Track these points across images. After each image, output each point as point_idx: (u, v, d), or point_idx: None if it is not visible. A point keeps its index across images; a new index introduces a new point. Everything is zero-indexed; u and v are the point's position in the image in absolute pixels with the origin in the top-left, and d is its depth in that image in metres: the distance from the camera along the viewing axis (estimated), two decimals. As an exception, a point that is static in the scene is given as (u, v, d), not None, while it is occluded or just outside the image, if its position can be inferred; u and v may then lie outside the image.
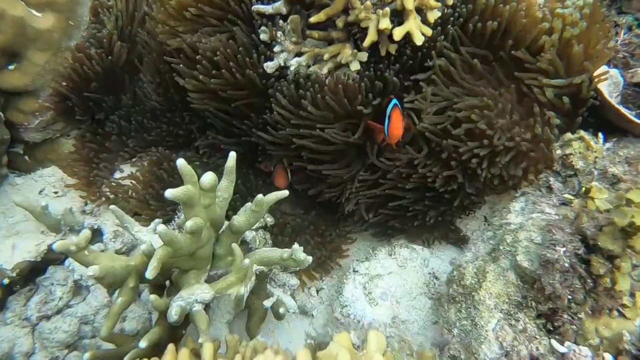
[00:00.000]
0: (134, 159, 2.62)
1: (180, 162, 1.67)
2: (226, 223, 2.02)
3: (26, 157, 2.51)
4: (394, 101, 1.82)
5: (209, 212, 1.81)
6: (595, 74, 1.94)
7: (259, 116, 2.14)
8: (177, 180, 2.39)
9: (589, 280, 1.52)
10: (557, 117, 1.90)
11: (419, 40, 1.77)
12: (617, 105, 2.05)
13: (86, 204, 2.51)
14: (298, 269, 2.10)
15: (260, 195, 1.82)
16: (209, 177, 1.73)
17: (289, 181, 2.25)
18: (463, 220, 2.39)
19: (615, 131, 2.17)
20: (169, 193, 1.61)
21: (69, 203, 2.48)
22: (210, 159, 2.49)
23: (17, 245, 2.20)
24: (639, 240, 1.42)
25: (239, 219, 1.89)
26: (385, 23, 1.75)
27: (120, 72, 2.42)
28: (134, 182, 2.48)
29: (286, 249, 1.94)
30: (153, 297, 1.74)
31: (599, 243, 1.48)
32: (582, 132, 1.84)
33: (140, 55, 2.48)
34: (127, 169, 2.61)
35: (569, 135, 1.85)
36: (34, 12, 2.11)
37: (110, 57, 2.30)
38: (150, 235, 1.98)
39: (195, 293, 1.78)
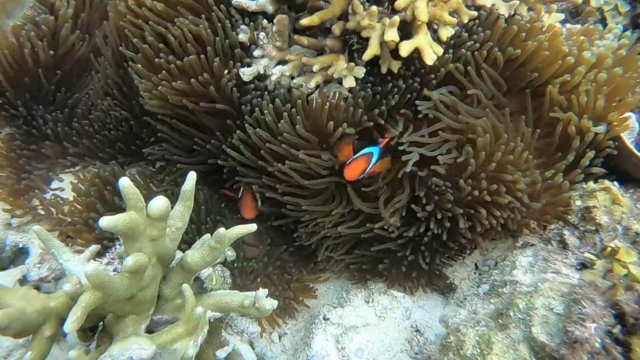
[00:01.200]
0: (77, 167, 2.22)
1: (124, 183, 1.31)
2: (179, 255, 1.66)
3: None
4: (372, 150, 1.63)
5: (157, 246, 1.44)
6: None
7: (227, 131, 1.79)
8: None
9: (623, 366, 1.24)
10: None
11: (429, 59, 1.48)
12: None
13: (12, 217, 2.08)
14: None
15: (222, 230, 1.47)
16: (159, 203, 1.37)
17: (258, 211, 1.90)
18: (450, 267, 2.11)
19: (629, 181, 1.95)
20: (105, 222, 1.24)
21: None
22: (170, 175, 2.12)
23: None
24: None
25: (193, 256, 1.52)
26: (392, 34, 1.45)
27: (68, 64, 2.03)
28: (74, 196, 2.07)
29: (248, 294, 1.59)
30: (74, 354, 1.34)
31: (640, 324, 1.20)
32: (607, 183, 1.59)
33: (96, 49, 2.10)
34: (68, 180, 2.20)
35: (592, 185, 1.60)
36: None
37: (52, 51, 1.92)
38: (83, 267, 1.58)
39: (130, 348, 1.39)
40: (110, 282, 1.27)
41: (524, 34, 1.64)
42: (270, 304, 1.57)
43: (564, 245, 1.64)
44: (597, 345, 1.25)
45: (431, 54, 1.48)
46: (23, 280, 1.93)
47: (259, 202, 1.89)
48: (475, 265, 2.14)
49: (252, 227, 1.55)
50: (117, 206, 1.96)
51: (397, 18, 1.45)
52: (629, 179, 1.95)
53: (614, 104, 1.75)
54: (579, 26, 1.88)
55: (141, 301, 1.48)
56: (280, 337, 2.15)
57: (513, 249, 1.89)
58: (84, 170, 2.22)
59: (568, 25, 1.90)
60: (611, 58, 1.71)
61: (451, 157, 1.67)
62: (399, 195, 1.82)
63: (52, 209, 2.07)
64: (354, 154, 1.65)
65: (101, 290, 1.25)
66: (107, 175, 2.03)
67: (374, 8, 1.47)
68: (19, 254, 2.03)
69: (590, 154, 1.68)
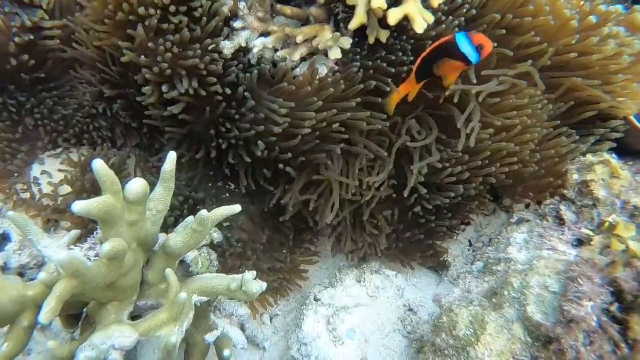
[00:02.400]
0: (58, 150, 2.14)
1: (97, 165, 1.23)
2: (162, 238, 1.60)
3: None
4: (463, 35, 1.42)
5: (136, 230, 1.38)
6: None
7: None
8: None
9: (622, 345, 1.20)
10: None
11: (419, 27, 1.39)
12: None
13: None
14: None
15: (203, 212, 1.41)
16: (136, 185, 1.30)
17: None
18: (444, 243, 2.07)
19: (628, 154, 1.89)
20: (78, 206, 1.17)
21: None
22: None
23: None
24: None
25: (175, 239, 1.46)
26: (379, 1, 1.36)
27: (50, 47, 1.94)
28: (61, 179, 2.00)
29: (234, 276, 1.53)
30: (52, 344, 1.29)
31: None
32: (605, 155, 1.53)
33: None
34: (49, 162, 2.12)
35: (590, 158, 1.54)
36: None
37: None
38: (62, 251, 1.52)
39: (112, 336, 1.34)
40: (86, 270, 1.21)
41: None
42: (259, 286, 1.51)
43: (560, 220, 1.59)
44: (593, 323, 1.21)
45: (421, 21, 1.39)
46: (4, 268, 1.86)
47: None
48: (469, 242, 2.10)
49: (236, 208, 1.48)
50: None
51: (383, -17, 1.36)
52: (629, 152, 1.90)
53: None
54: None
55: (123, 287, 1.42)
56: (271, 319, 2.11)
57: (508, 225, 1.84)
58: (67, 152, 2.14)
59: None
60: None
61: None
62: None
63: (36, 193, 2.00)
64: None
65: (77, 278, 1.19)
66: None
67: (360, -27, 1.37)
68: (1, 240, 1.96)
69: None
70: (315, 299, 1.93)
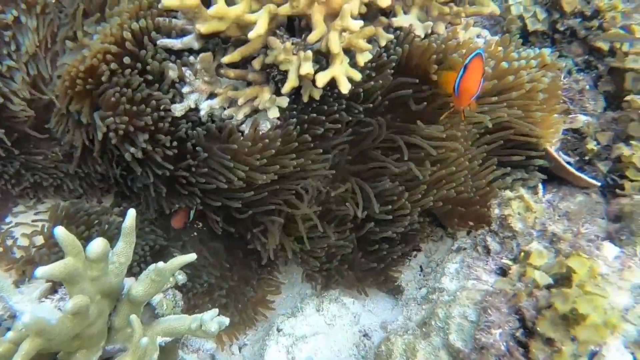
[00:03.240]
0: (30, 202, 2.28)
1: (58, 232, 1.38)
2: (129, 284, 1.75)
3: None
4: (479, 50, 1.44)
5: (99, 285, 1.53)
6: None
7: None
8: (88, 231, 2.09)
9: (526, 366, 1.37)
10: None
11: (344, 88, 1.57)
12: (562, 161, 1.96)
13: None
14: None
15: (160, 264, 1.56)
16: (96, 246, 1.45)
17: (187, 221, 2.01)
18: (397, 269, 2.23)
19: (555, 179, 2.09)
20: (41, 272, 1.31)
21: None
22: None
23: None
24: (583, 330, 1.28)
25: (137, 289, 1.61)
26: (307, 68, 1.54)
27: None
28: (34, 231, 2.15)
29: (195, 317, 1.68)
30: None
31: (539, 329, 1.33)
32: (521, 191, 1.71)
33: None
34: (24, 214, 2.26)
35: (508, 194, 1.72)
36: None
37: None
38: (33, 307, 1.67)
39: (81, 382, 1.49)
40: (51, 328, 1.35)
41: (434, 55, 1.73)
42: (217, 326, 1.65)
43: (487, 250, 1.76)
44: (502, 348, 1.37)
45: (346, 83, 1.57)
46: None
47: (191, 216, 1.99)
48: (421, 267, 2.27)
49: (192, 256, 1.63)
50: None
51: (309, 53, 1.53)
52: (555, 178, 2.09)
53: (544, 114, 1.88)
54: (497, 38, 1.98)
55: (90, 336, 1.56)
56: (240, 349, 2.26)
57: (450, 252, 2.01)
58: (39, 203, 2.28)
59: (488, 37, 2.00)
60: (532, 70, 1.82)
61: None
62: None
63: (8, 245, 2.13)
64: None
65: (42, 337, 1.33)
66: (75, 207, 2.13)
67: (288, 44, 1.55)
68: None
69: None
70: (278, 329, 2.08)
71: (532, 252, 1.60)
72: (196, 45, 1.71)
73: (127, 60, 1.68)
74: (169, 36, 1.71)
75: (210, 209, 1.95)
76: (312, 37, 1.51)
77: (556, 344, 1.34)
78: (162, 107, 1.72)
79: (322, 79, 1.56)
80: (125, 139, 1.74)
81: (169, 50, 1.73)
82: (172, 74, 1.73)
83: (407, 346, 1.56)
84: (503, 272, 1.66)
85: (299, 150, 1.76)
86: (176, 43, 1.70)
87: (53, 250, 2.11)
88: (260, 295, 2.34)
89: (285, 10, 1.52)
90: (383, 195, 1.91)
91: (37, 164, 2.22)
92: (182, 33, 1.75)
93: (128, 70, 1.68)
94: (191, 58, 1.73)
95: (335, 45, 1.52)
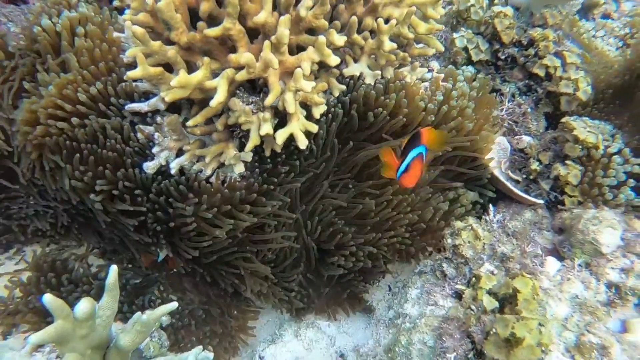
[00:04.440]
0: (10, 252, 2.37)
1: (47, 299, 1.49)
2: (115, 330, 1.87)
3: None
4: (422, 148, 1.57)
5: (89, 340, 1.65)
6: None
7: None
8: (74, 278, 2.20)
9: (479, 383, 1.55)
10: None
11: (302, 144, 1.71)
12: (508, 184, 2.14)
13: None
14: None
15: (143, 317, 1.69)
16: (84, 306, 1.56)
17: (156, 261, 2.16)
18: (368, 290, 2.40)
19: (506, 197, 2.27)
20: (35, 339, 1.44)
21: None
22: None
23: None
24: (521, 351, 1.46)
25: (124, 339, 1.73)
26: (267, 129, 1.68)
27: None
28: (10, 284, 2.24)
29: (181, 357, 1.82)
30: None
31: (485, 351, 1.51)
32: (470, 220, 1.89)
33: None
34: (7, 263, 2.35)
35: (458, 224, 1.89)
36: None
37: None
38: (25, 362, 1.78)
39: None
40: (48, 389, 1.48)
41: (382, 97, 1.89)
42: (202, 362, 1.80)
43: (444, 275, 1.94)
44: (457, 370, 1.56)
45: (303, 139, 1.71)
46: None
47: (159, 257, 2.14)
48: (389, 287, 2.44)
49: (173, 305, 1.76)
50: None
51: (268, 114, 1.67)
52: (505, 197, 2.28)
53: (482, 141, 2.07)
54: (442, 75, 2.15)
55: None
56: (225, 376, 2.40)
57: (413, 275, 2.19)
58: (20, 252, 2.37)
59: (435, 74, 2.17)
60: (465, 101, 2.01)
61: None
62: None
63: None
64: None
65: (41, 399, 1.46)
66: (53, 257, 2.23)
67: (247, 108, 1.68)
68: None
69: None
70: (260, 357, 2.23)
71: (482, 276, 1.78)
72: (162, 107, 1.83)
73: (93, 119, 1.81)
74: (132, 99, 1.82)
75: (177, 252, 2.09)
76: (269, 100, 1.65)
77: (503, 363, 1.52)
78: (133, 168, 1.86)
79: (281, 136, 1.70)
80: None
81: (137, 114, 1.84)
82: (140, 135, 1.85)
83: (375, 372, 1.73)
84: (459, 295, 1.84)
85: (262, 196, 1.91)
86: (143, 106, 1.81)
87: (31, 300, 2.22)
88: (241, 323, 2.49)
89: (242, 76, 1.65)
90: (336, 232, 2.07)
91: (13, 213, 2.31)
92: (145, 95, 1.87)
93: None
94: (158, 119, 1.85)
95: (291, 106, 1.66)
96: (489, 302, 1.64)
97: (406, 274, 2.36)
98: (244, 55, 1.59)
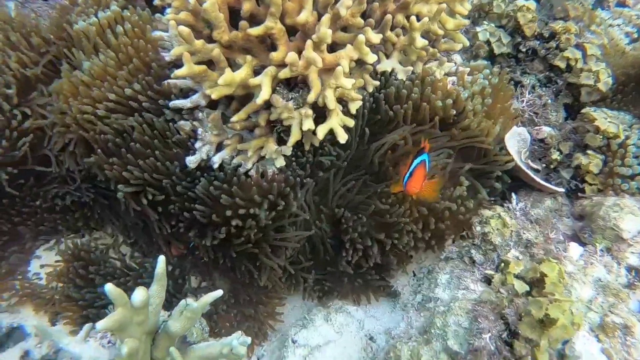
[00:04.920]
0: (51, 242, 2.46)
1: (108, 288, 1.59)
2: (163, 316, 1.97)
3: None
4: (424, 156, 1.77)
5: (144, 326, 1.75)
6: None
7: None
8: (102, 269, 2.29)
9: (512, 360, 1.66)
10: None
11: (342, 139, 1.80)
12: (530, 173, 2.23)
13: (-1, 300, 2.32)
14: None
15: (194, 304, 1.78)
16: (140, 295, 1.66)
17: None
18: (391, 277, 2.50)
19: (526, 185, 2.36)
20: (101, 326, 1.54)
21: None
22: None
23: None
24: (555, 330, 1.56)
25: (175, 325, 1.83)
26: (309, 124, 1.76)
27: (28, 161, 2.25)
28: (52, 272, 2.34)
29: (224, 342, 1.91)
30: None
31: (519, 331, 1.62)
32: (498, 209, 1.98)
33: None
34: (46, 256, 2.44)
35: (487, 212, 1.98)
36: None
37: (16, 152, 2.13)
38: (82, 346, 1.88)
39: (135, 411, 1.72)
40: (112, 372, 1.58)
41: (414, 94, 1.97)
42: (245, 349, 1.90)
43: (472, 261, 2.04)
44: (492, 348, 1.66)
45: (343, 134, 1.80)
46: (24, 356, 2.19)
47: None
48: (413, 272, 2.54)
49: (219, 293, 1.86)
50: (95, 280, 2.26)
51: (310, 111, 1.75)
52: (527, 184, 2.37)
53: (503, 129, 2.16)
54: (468, 69, 2.22)
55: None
56: (258, 359, 2.51)
57: (439, 261, 2.28)
58: (58, 244, 2.46)
59: (460, 68, 2.24)
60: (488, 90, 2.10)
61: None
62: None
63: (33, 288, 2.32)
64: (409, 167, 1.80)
65: (106, 381, 1.56)
66: (86, 249, 2.32)
67: (290, 104, 1.76)
68: (13, 332, 2.28)
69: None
70: (293, 341, 2.34)
71: (511, 262, 1.88)
72: (203, 103, 1.91)
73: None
74: (168, 97, 1.90)
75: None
76: (311, 97, 1.73)
77: (535, 341, 1.63)
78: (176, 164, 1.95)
79: (322, 131, 1.78)
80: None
81: (180, 110, 1.92)
82: (183, 131, 1.93)
83: (412, 352, 1.84)
84: (488, 280, 1.94)
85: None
86: (186, 103, 1.89)
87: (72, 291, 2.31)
88: (270, 309, 2.59)
89: (285, 74, 1.73)
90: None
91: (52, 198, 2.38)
92: (184, 93, 1.94)
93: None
94: (200, 114, 1.93)
95: (332, 102, 1.74)
96: (520, 286, 1.74)
97: (430, 260, 2.45)
98: (289, 55, 1.66)
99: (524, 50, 2.43)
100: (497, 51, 2.42)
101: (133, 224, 2.39)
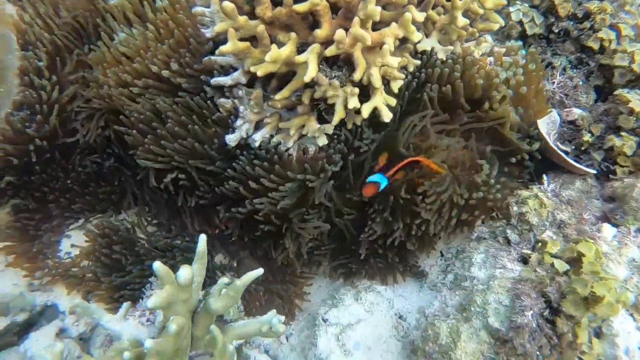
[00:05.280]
0: (80, 222, 2.45)
1: (156, 266, 1.59)
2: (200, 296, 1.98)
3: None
4: (377, 179, 1.89)
5: (188, 304, 1.76)
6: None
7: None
8: (129, 251, 2.29)
9: (554, 337, 1.69)
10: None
11: (387, 117, 1.79)
12: (562, 154, 2.23)
13: (33, 279, 2.31)
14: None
15: (237, 282, 1.79)
16: (185, 273, 1.67)
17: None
18: (419, 257, 2.51)
19: (555, 166, 2.37)
20: (152, 304, 1.55)
21: (12, 279, 2.27)
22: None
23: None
24: (601, 308, 1.59)
25: (217, 304, 1.84)
26: (354, 102, 1.75)
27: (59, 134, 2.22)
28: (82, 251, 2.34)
29: (262, 320, 1.93)
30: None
31: (563, 309, 1.64)
32: (535, 189, 1.99)
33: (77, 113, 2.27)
34: (75, 235, 2.43)
35: (524, 193, 2.00)
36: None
37: (47, 125, 2.09)
38: (122, 324, 1.89)
39: (180, 386, 1.74)
40: (163, 348, 1.59)
41: (456, 73, 1.96)
42: (283, 326, 1.92)
43: (507, 241, 2.05)
44: (534, 325, 1.69)
45: (387, 113, 1.79)
46: (59, 333, 2.20)
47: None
48: (441, 252, 2.56)
49: (260, 271, 1.87)
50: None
51: (356, 89, 1.74)
52: (557, 167, 2.38)
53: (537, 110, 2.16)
54: (503, 49, 2.21)
55: (182, 348, 1.80)
56: (287, 338, 2.54)
57: (469, 241, 2.30)
58: (86, 223, 2.45)
59: (495, 49, 2.22)
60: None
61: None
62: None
63: (66, 267, 2.32)
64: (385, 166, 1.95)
65: (158, 356, 1.57)
66: (112, 228, 2.31)
67: (336, 81, 1.75)
68: (47, 310, 2.29)
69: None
70: (324, 320, 2.36)
71: (548, 241, 1.90)
72: (243, 80, 1.89)
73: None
74: (219, 74, 1.87)
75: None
76: (357, 75, 1.72)
77: (576, 318, 1.66)
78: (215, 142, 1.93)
79: (366, 110, 1.77)
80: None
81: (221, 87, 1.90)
82: (224, 108, 1.91)
83: (451, 329, 1.86)
84: (524, 259, 1.96)
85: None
86: (227, 80, 1.87)
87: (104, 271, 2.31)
88: (297, 289, 2.61)
89: (331, 51, 1.71)
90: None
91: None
92: (224, 70, 1.92)
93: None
94: (240, 92, 1.91)
95: (377, 80, 1.73)
96: (561, 265, 1.76)
97: (459, 241, 2.48)
98: (338, 32, 1.64)
99: (556, 31, 2.41)
100: (529, 32, 2.40)
101: (156, 199, 2.39)
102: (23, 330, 2.16)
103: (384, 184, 1.89)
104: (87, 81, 2.14)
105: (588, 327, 1.69)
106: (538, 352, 1.69)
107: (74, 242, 2.41)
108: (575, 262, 1.83)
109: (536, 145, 2.23)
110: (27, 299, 2.16)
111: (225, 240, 2.52)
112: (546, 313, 1.70)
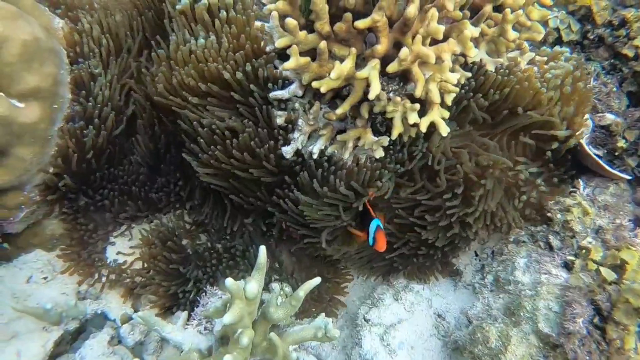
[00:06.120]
0: (122, 228, 2.47)
1: (228, 282, 1.64)
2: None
3: (5, 245, 2.26)
4: (377, 223, 1.94)
5: (253, 316, 1.82)
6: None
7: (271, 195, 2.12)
8: (181, 250, 2.33)
9: (602, 343, 1.78)
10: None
11: (444, 131, 1.83)
12: (596, 158, 2.30)
13: (80, 286, 2.35)
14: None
15: (300, 292, 1.85)
16: (253, 287, 1.72)
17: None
18: (454, 257, 2.59)
19: (587, 171, 2.45)
20: (228, 321, 1.62)
21: (62, 287, 2.31)
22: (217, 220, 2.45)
23: (22, 351, 2.05)
24: (652, 317, 1.68)
25: (278, 313, 1.90)
26: (414, 117, 1.79)
27: (112, 142, 2.24)
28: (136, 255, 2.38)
29: (316, 325, 2.00)
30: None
31: (615, 317, 1.73)
32: (578, 197, 2.06)
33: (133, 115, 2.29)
34: (119, 242, 2.46)
35: (568, 201, 2.07)
36: (16, 103, 1.82)
37: (103, 132, 2.11)
38: (183, 334, 1.94)
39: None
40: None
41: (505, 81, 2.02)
42: (338, 331, 1.99)
43: (549, 246, 2.13)
44: (584, 332, 1.78)
45: (445, 127, 1.83)
46: (110, 340, 2.24)
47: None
48: (475, 252, 2.64)
49: (317, 280, 1.93)
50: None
51: (417, 105, 1.78)
52: (589, 171, 2.46)
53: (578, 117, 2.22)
54: (545, 58, 2.25)
55: (246, 358, 1.87)
56: (327, 336, 2.62)
57: (506, 243, 2.37)
58: (130, 229, 2.48)
59: (537, 58, 2.27)
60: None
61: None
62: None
63: (118, 272, 2.36)
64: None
65: (233, 366, 1.64)
66: (164, 232, 2.35)
67: (398, 98, 1.78)
68: (97, 317, 2.33)
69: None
70: (365, 320, 2.44)
71: (591, 248, 1.98)
72: (300, 93, 1.92)
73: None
74: (276, 88, 1.90)
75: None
76: (418, 92, 1.75)
77: (625, 326, 1.75)
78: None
79: (425, 124, 1.81)
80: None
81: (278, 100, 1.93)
82: (280, 120, 1.94)
83: (501, 333, 1.95)
84: (567, 266, 2.04)
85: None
86: (285, 94, 1.90)
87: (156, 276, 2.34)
88: (336, 287, 2.68)
89: (393, 68, 1.74)
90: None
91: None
92: (284, 82, 1.95)
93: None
94: (296, 105, 1.94)
95: (436, 96, 1.77)
96: (608, 274, 1.84)
97: (494, 242, 2.55)
98: (402, 50, 1.67)
99: (590, 37, 2.46)
100: (565, 38, 2.45)
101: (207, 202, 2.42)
102: (75, 338, 2.21)
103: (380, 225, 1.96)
104: (142, 81, 2.15)
105: (636, 332, 1.79)
106: (588, 358, 1.78)
107: (118, 249, 2.44)
108: (619, 269, 1.92)
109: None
110: (79, 308, 2.20)
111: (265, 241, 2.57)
112: (596, 320, 1.79)
